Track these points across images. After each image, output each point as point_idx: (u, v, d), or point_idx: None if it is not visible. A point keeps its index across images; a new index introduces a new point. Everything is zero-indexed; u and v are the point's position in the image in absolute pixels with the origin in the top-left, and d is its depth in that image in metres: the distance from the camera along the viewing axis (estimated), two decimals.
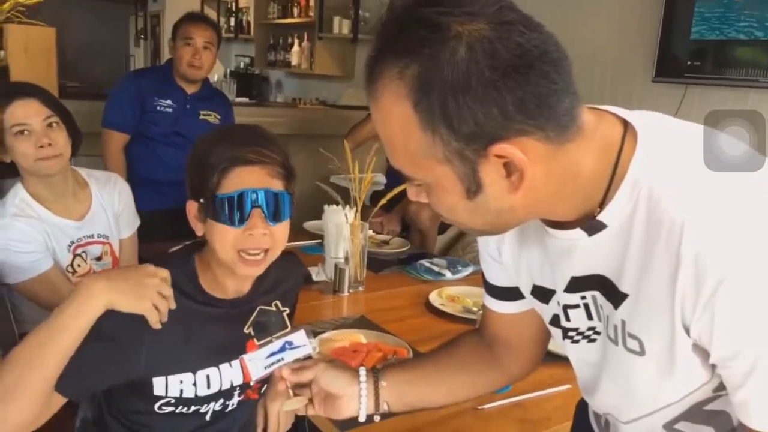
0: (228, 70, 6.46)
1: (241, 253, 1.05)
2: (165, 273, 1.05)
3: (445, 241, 3.46)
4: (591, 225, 0.71)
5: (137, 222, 1.91)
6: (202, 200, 1.06)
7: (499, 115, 0.61)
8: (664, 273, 0.65)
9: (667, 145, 0.68)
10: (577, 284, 0.77)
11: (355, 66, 5.21)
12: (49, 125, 1.59)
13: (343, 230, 1.95)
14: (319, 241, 2.28)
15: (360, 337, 1.52)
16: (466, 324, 1.71)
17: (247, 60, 6.60)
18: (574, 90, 0.65)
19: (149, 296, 1.01)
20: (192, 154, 1.09)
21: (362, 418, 0.97)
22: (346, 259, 1.93)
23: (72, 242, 1.69)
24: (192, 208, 1.09)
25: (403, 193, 2.08)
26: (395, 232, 2.76)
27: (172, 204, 2.65)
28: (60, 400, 1.02)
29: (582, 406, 1.08)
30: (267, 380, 1.24)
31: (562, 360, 1.33)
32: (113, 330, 1.02)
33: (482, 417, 1.26)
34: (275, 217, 1.06)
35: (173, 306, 1.05)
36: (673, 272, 0.64)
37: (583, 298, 0.78)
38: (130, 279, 1.01)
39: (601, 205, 0.69)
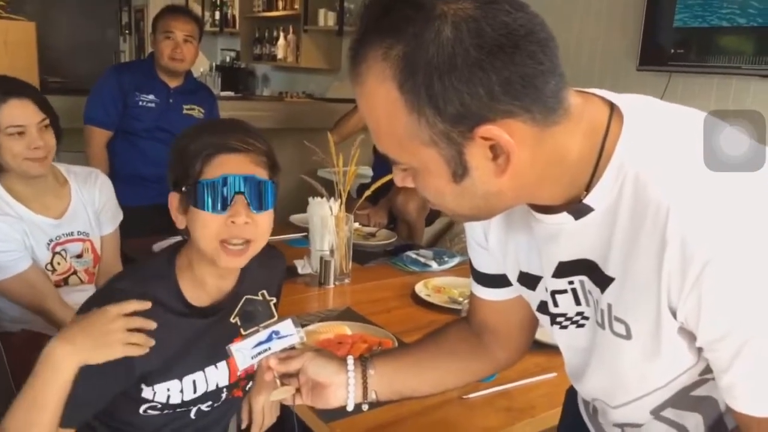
0: (214, 64, 6.41)
1: (223, 243, 1.04)
2: (128, 307, 1.01)
3: (432, 232, 3.46)
4: (577, 209, 0.70)
5: (120, 217, 1.88)
6: (184, 188, 1.04)
7: (485, 95, 0.60)
8: (651, 256, 0.65)
9: (652, 127, 0.68)
10: (564, 269, 0.76)
11: (341, 59, 5.18)
12: (43, 127, 1.59)
13: (328, 223, 1.94)
14: (305, 234, 2.27)
15: (345, 328, 1.51)
16: (451, 314, 1.71)
17: (233, 54, 6.54)
18: (560, 71, 0.64)
19: (118, 340, 0.98)
20: (174, 147, 1.08)
21: (350, 407, 0.96)
22: (332, 251, 1.92)
23: (51, 240, 1.67)
24: (174, 199, 1.08)
25: (389, 185, 2.11)
26: (382, 224, 2.75)
27: (156, 199, 2.62)
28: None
29: (570, 394, 1.08)
30: (253, 377, 1.23)
31: (548, 348, 1.35)
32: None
33: (468, 406, 1.26)
34: (258, 205, 1.04)
35: (150, 328, 1.02)
36: (659, 255, 0.64)
37: (571, 283, 0.77)
38: (92, 332, 0.98)
39: (588, 188, 0.69)
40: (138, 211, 2.15)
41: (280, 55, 5.40)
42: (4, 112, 1.54)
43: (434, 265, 2.10)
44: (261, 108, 3.88)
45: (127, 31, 7.25)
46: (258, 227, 1.06)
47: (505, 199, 0.71)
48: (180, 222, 1.08)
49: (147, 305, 1.03)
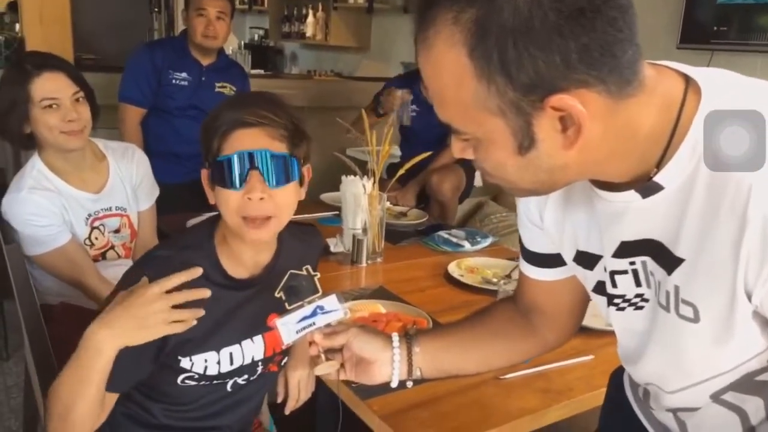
0: (242, 43, 6.41)
1: (245, 218, 1.03)
2: (169, 282, 0.99)
3: (461, 213, 3.44)
4: (646, 187, 0.68)
5: (156, 192, 1.90)
6: (207, 165, 1.05)
7: (561, 63, 0.58)
8: (728, 237, 0.62)
9: (732, 102, 0.64)
10: (626, 249, 0.74)
11: (370, 36, 5.14)
12: (77, 100, 1.60)
13: (361, 201, 1.93)
14: (336, 212, 2.27)
15: (379, 307, 1.51)
16: (486, 295, 1.69)
17: (261, 32, 6.54)
18: (637, 41, 0.61)
19: (161, 320, 0.97)
20: (203, 124, 1.08)
21: (394, 384, 0.95)
22: (364, 230, 1.92)
23: (89, 215, 1.69)
24: (204, 176, 1.08)
25: (419, 166, 2.08)
26: (410, 206, 2.73)
27: (189, 176, 2.63)
28: (113, 396, 1.05)
29: (615, 378, 1.06)
30: (288, 351, 1.24)
31: (585, 331, 1.33)
32: None
33: (504, 386, 1.25)
34: (275, 180, 1.03)
35: (203, 296, 1.02)
36: (738, 236, 0.61)
37: (632, 263, 0.75)
38: (134, 314, 0.96)
39: (658, 165, 0.66)
40: (172, 188, 2.17)
41: (309, 32, 5.38)
42: (37, 85, 1.55)
43: (467, 246, 2.08)
44: (290, 86, 3.87)
45: (156, 9, 7.28)
46: (277, 202, 1.04)
47: (569, 174, 0.69)
48: (211, 197, 1.09)
49: (197, 272, 1.02)
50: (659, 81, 0.65)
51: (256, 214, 1.03)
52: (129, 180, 1.79)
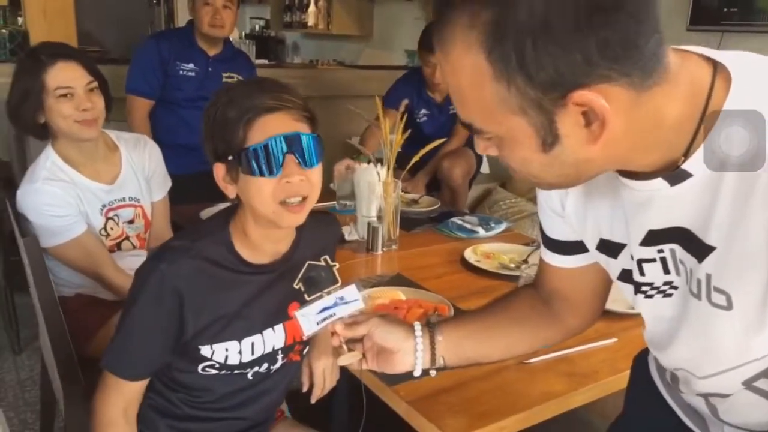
0: (243, 33, 6.37)
1: (283, 203, 1.02)
2: None
3: (470, 200, 3.44)
4: (674, 174, 0.67)
5: (168, 183, 1.89)
6: (230, 158, 1.01)
7: (582, 60, 0.57)
8: (762, 223, 0.61)
9: (764, 87, 0.63)
10: (654, 237, 0.73)
11: (372, 25, 5.11)
12: (91, 90, 1.60)
13: (375, 189, 1.92)
14: (346, 202, 2.25)
15: (399, 294, 1.50)
16: (504, 281, 1.69)
17: (262, 22, 6.50)
18: (660, 28, 0.60)
19: None
20: (207, 119, 1.03)
21: (417, 373, 0.95)
22: (379, 217, 1.91)
23: (104, 206, 1.69)
24: (219, 170, 1.04)
25: (427, 156, 2.05)
26: (421, 194, 2.73)
27: (198, 167, 2.60)
28: (138, 387, 1.09)
29: (639, 361, 1.05)
30: (309, 342, 1.23)
31: (607, 314, 1.32)
32: (152, 318, 1.04)
33: (528, 371, 1.25)
34: (308, 161, 1.02)
35: None
36: None
37: (661, 251, 0.74)
38: None
39: (686, 153, 0.65)
40: (181, 179, 2.16)
41: (310, 22, 5.35)
42: (51, 75, 1.55)
43: (481, 231, 2.08)
44: (295, 75, 3.85)
45: (155, 1, 7.23)
46: (312, 182, 1.04)
47: (594, 167, 0.68)
48: (230, 191, 1.06)
49: None
50: (684, 67, 0.64)
51: (296, 194, 1.02)
52: (142, 170, 1.78)
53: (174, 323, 1.04)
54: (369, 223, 1.89)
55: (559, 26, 0.56)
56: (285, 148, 1.00)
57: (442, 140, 2.17)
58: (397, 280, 1.66)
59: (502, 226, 2.14)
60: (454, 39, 0.61)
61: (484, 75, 0.60)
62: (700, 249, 0.68)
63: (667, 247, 0.73)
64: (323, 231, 1.24)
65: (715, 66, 0.65)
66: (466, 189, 3.02)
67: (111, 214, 1.70)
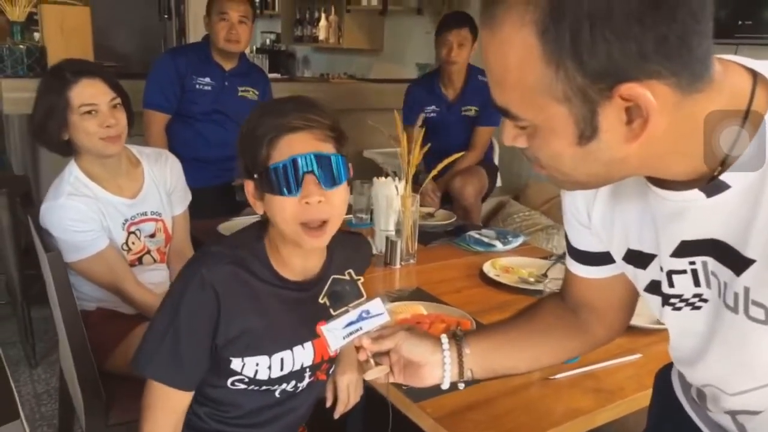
0: (254, 47, 6.41)
1: (303, 225, 1.03)
2: None
3: (484, 212, 3.43)
4: (711, 186, 0.66)
5: (189, 198, 1.90)
6: (255, 176, 1.03)
7: (636, 52, 0.56)
8: None
9: None
10: (686, 249, 0.72)
11: (383, 38, 5.14)
12: (114, 106, 1.61)
13: (393, 203, 1.92)
14: (362, 216, 2.25)
15: (420, 308, 1.50)
16: (524, 295, 1.68)
17: (273, 36, 6.54)
18: (712, 34, 0.59)
19: None
20: (241, 133, 1.07)
21: (446, 386, 0.94)
22: (397, 231, 1.91)
23: (126, 220, 1.70)
24: (249, 187, 1.07)
25: (442, 171, 2.05)
26: (436, 208, 2.73)
27: (214, 181, 2.66)
28: (187, 398, 1.09)
29: (662, 378, 1.04)
30: (335, 360, 1.23)
31: (630, 330, 1.30)
32: (188, 328, 1.04)
33: (554, 387, 1.24)
34: (330, 181, 1.02)
35: None
36: None
37: (692, 263, 0.73)
38: None
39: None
40: (198, 193, 2.16)
41: (321, 36, 5.37)
42: (75, 92, 1.57)
43: (499, 245, 2.07)
44: (308, 89, 3.86)
45: (166, 15, 7.29)
46: (333, 203, 1.04)
47: (627, 168, 0.67)
48: (258, 208, 1.07)
49: None
50: (726, 76, 0.63)
51: (315, 218, 1.02)
52: (163, 185, 1.79)
53: (213, 327, 1.04)
54: (387, 237, 1.89)
55: (620, 14, 0.55)
56: (305, 168, 1.00)
57: (461, 154, 2.17)
58: (417, 295, 1.66)
59: (520, 240, 2.14)
60: (507, 13, 0.60)
61: (533, 55, 0.59)
62: (737, 262, 0.67)
63: (699, 259, 0.72)
64: (354, 251, 1.24)
65: (755, 76, 0.65)
66: (479, 206, 3.02)
67: (133, 229, 1.71)
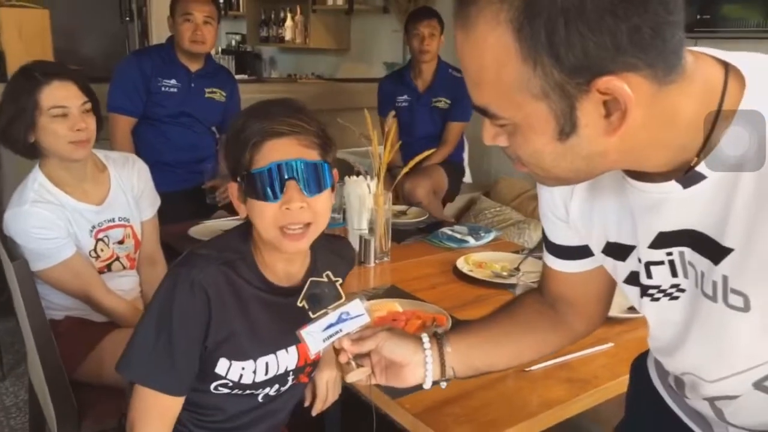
0: (220, 49, 6.34)
1: (282, 228, 1.02)
2: None
3: (454, 210, 3.46)
4: (687, 177, 0.66)
5: (158, 202, 1.87)
6: (239, 179, 1.03)
7: (611, 45, 0.57)
8: None
9: None
10: (664, 240, 0.73)
11: (350, 38, 5.13)
12: (85, 111, 1.58)
13: (365, 201, 1.92)
14: (333, 215, 2.25)
15: (396, 305, 1.50)
16: (498, 289, 1.70)
17: (238, 37, 6.48)
18: (683, 25, 0.60)
19: None
20: (226, 135, 1.06)
21: (428, 386, 0.94)
22: (370, 229, 1.91)
23: (93, 227, 1.66)
24: (233, 189, 1.06)
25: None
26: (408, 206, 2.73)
27: (184, 185, 2.62)
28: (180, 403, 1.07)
29: (638, 367, 1.05)
30: (317, 363, 1.22)
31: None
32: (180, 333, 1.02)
33: (530, 379, 1.26)
34: (312, 188, 1.01)
35: None
36: None
37: (669, 254, 0.74)
38: None
39: (698, 154, 0.65)
40: (167, 198, 2.13)
41: (287, 36, 5.34)
42: (46, 93, 1.53)
43: (471, 241, 2.09)
44: (276, 90, 3.84)
45: (128, 18, 7.16)
46: (315, 209, 1.03)
47: (606, 162, 0.68)
48: (242, 211, 1.07)
49: None
50: (698, 67, 0.64)
51: (295, 223, 1.01)
52: (130, 190, 1.76)
53: (204, 330, 1.03)
54: (361, 236, 1.89)
55: (593, 7, 0.56)
56: (287, 174, 0.99)
57: (432, 151, 2.19)
58: (393, 292, 1.66)
59: (492, 235, 2.16)
60: (480, 14, 0.60)
61: (509, 54, 0.60)
62: (715, 251, 0.68)
63: (676, 250, 0.73)
64: (338, 255, 1.24)
65: (727, 67, 0.66)
66: (436, 206, 3.04)
67: (101, 236, 1.68)
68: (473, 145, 3.54)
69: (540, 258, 1.88)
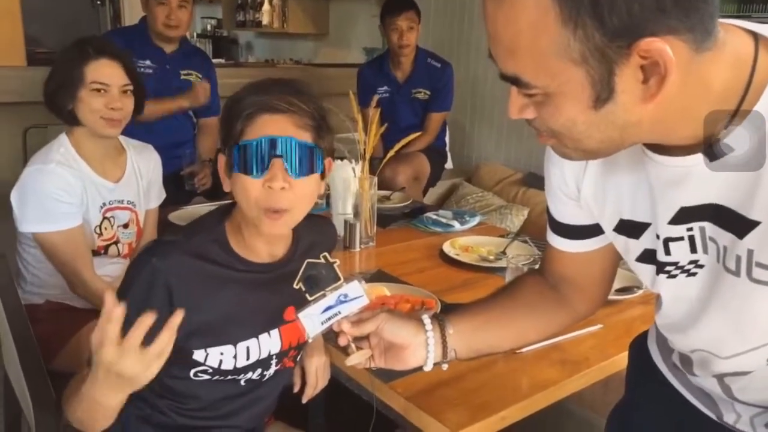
0: (195, 33, 6.23)
1: (264, 209, 0.99)
2: (144, 325, 0.84)
3: (436, 195, 3.45)
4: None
5: (163, 195, 1.91)
6: (226, 150, 1.01)
7: (656, 7, 0.55)
8: None
9: None
10: (685, 215, 0.71)
11: (329, 23, 5.07)
12: (125, 92, 1.63)
13: (350, 185, 1.89)
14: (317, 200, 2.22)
15: (384, 290, 1.48)
16: (486, 273, 1.69)
17: (214, 22, 6.37)
18: None
19: (157, 363, 0.87)
20: (224, 106, 1.04)
21: (429, 367, 0.93)
22: (355, 214, 1.88)
23: (104, 203, 1.68)
24: (221, 161, 1.04)
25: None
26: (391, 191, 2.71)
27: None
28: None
29: (638, 347, 1.04)
30: (302, 347, 1.20)
31: None
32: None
33: (522, 360, 1.25)
34: (297, 170, 0.98)
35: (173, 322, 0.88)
36: None
37: (690, 230, 0.72)
38: (135, 375, 0.87)
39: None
40: None
41: (265, 21, 5.27)
42: (92, 68, 1.58)
43: (456, 225, 2.08)
44: (254, 75, 3.73)
45: (99, 2, 6.99)
46: (296, 192, 0.99)
47: (639, 133, 0.66)
48: (226, 185, 1.04)
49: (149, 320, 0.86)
50: (728, 37, 0.63)
51: (275, 206, 0.98)
52: (145, 176, 1.79)
53: (161, 321, 0.98)
54: (345, 221, 1.86)
55: None
56: (274, 151, 0.96)
57: (414, 135, 2.16)
58: (380, 277, 1.64)
59: (477, 219, 2.15)
60: None
61: (548, 17, 0.58)
62: (740, 225, 0.66)
63: (696, 225, 0.71)
64: (320, 234, 1.21)
65: (756, 37, 0.64)
66: (417, 189, 3.04)
67: (108, 214, 1.69)
68: (454, 130, 3.52)
69: (525, 242, 1.90)
